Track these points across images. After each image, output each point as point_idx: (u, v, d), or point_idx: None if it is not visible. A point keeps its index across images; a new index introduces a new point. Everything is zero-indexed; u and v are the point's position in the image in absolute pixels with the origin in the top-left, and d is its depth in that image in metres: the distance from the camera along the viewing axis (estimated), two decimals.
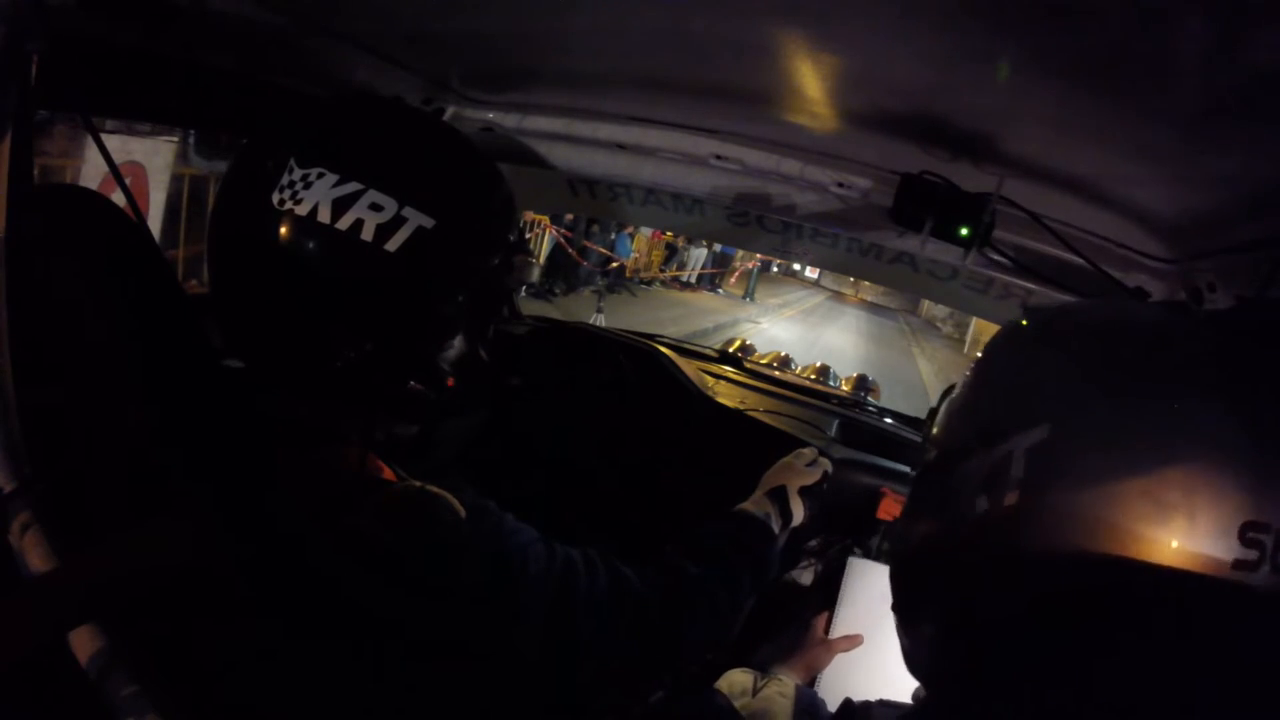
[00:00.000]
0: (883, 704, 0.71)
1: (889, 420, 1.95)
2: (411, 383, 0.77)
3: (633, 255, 10.92)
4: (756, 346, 3.97)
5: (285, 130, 0.75)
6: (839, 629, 1.16)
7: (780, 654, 1.13)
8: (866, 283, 23.18)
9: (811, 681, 1.09)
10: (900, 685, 0.78)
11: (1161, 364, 0.46)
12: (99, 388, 0.70)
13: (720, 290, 14.32)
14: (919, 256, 1.44)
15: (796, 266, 22.73)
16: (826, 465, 1.14)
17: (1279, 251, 0.85)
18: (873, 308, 23.66)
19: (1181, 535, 0.41)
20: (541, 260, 8.40)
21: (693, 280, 13.44)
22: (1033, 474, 0.47)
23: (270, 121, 0.78)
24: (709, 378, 1.94)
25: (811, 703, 0.91)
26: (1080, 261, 1.15)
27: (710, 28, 0.88)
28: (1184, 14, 0.57)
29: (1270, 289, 0.84)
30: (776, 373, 2.34)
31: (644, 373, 1.82)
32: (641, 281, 11.60)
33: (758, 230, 1.62)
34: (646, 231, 10.82)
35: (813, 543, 1.47)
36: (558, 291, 8.76)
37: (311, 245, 0.69)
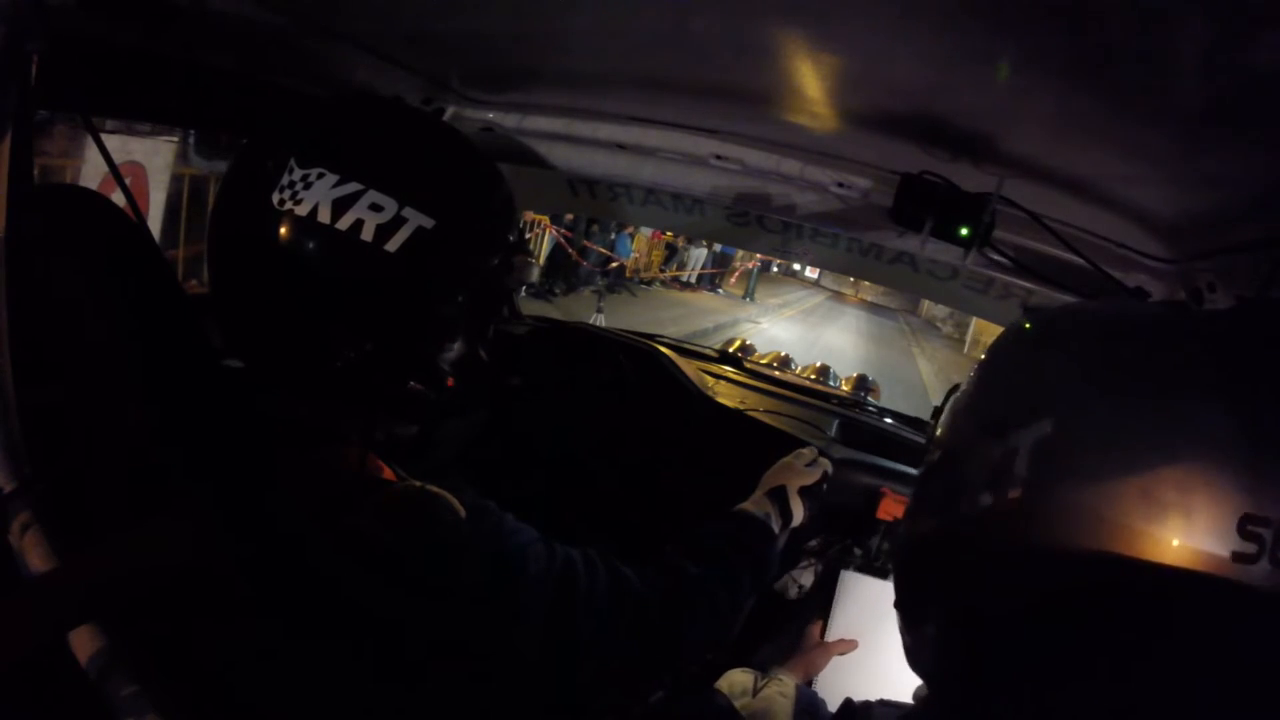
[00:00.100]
0: (883, 703, 0.71)
1: (889, 420, 1.95)
2: (411, 383, 0.77)
3: (633, 255, 10.93)
4: (756, 346, 3.97)
5: (285, 130, 0.75)
6: (832, 639, 1.17)
7: (779, 655, 1.13)
8: (866, 283, 23.18)
9: (809, 683, 1.09)
10: (894, 690, 0.78)
11: (1161, 363, 0.46)
12: (99, 388, 0.70)
13: (720, 290, 14.32)
14: (919, 256, 1.44)
15: (796, 266, 22.74)
16: (826, 465, 1.14)
17: (1279, 251, 0.85)
18: (873, 308, 23.68)
19: (1182, 533, 0.41)
20: (541, 260, 8.40)
21: (693, 280, 13.44)
22: (1035, 472, 0.47)
23: (270, 121, 0.78)
24: (709, 378, 1.94)
25: (811, 702, 0.91)
26: (1080, 261, 1.15)
27: (710, 28, 0.88)
28: (1184, 14, 0.57)
29: (1270, 289, 0.84)
30: (776, 373, 2.34)
31: (644, 373, 1.82)
32: (641, 281, 11.60)
33: (758, 230, 1.62)
34: (646, 231, 10.82)
35: (813, 543, 1.47)
36: (558, 291, 8.76)
37: (311, 245, 0.69)
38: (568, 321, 2.32)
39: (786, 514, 1.04)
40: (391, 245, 0.70)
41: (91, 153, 3.18)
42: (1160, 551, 0.42)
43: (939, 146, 1.09)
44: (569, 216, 8.57)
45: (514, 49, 1.17)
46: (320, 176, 0.68)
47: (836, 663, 1.13)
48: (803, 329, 13.67)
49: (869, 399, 2.82)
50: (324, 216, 0.68)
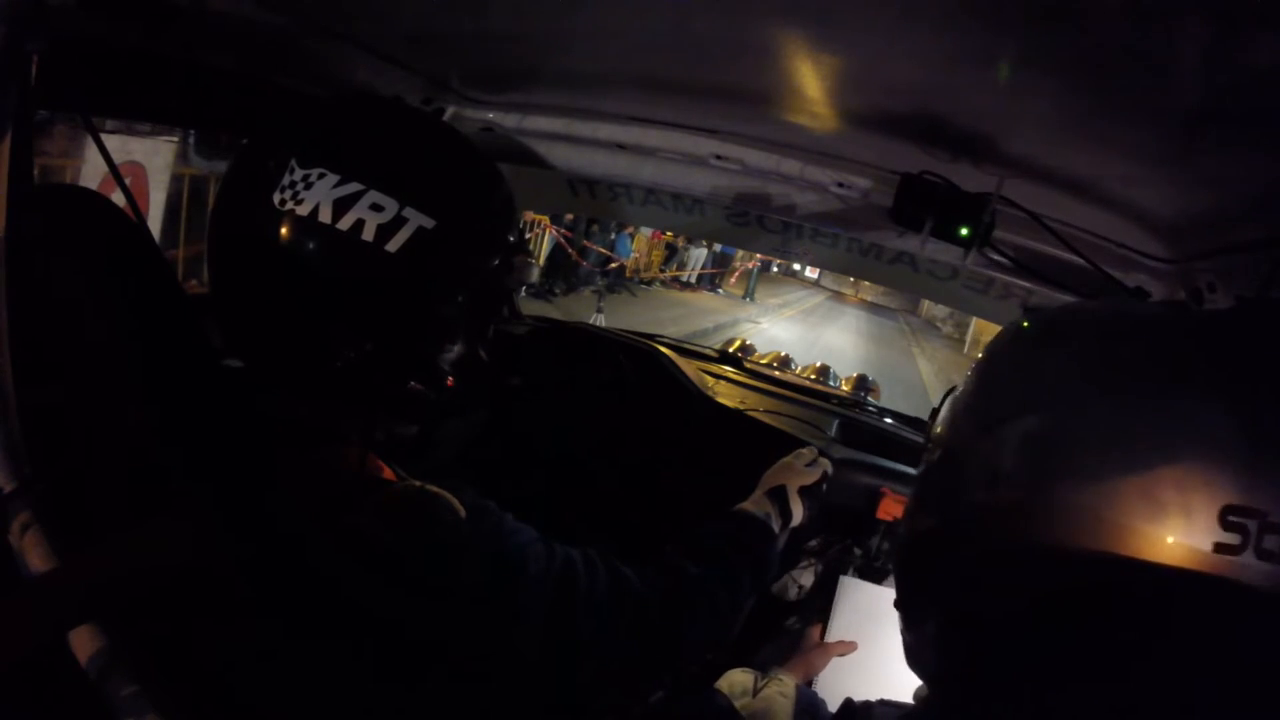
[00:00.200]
0: (883, 704, 0.71)
1: (889, 420, 1.95)
2: (411, 383, 0.77)
3: (633, 255, 10.92)
4: (756, 346, 3.97)
5: (286, 130, 0.75)
6: (832, 641, 1.17)
7: (779, 655, 1.13)
8: (866, 283, 23.17)
9: (809, 684, 1.09)
10: (894, 691, 0.78)
11: (1160, 363, 0.46)
12: (99, 388, 0.70)
13: (720, 290, 14.32)
14: (919, 256, 1.44)
15: (796, 266, 22.74)
16: (826, 466, 1.14)
17: (1279, 251, 0.85)
18: (873, 308, 23.67)
19: (1181, 532, 0.41)
20: (541, 260, 8.40)
21: (693, 280, 13.44)
22: (1033, 471, 0.47)
23: (271, 121, 0.78)
24: (709, 378, 1.94)
25: (811, 703, 0.91)
26: (1080, 261, 1.15)
27: (710, 28, 0.88)
28: (1183, 15, 0.57)
29: (1270, 289, 0.84)
30: (776, 373, 2.34)
31: (644, 373, 1.82)
32: (641, 281, 11.60)
33: (758, 230, 1.62)
34: (646, 231, 10.82)
35: (813, 543, 1.47)
36: (558, 291, 8.76)
37: (312, 245, 0.69)
38: (568, 321, 2.32)
39: (786, 514, 1.04)
40: (392, 245, 0.70)
41: (91, 153, 3.18)
42: (1159, 551, 0.42)
43: (939, 146, 1.09)
44: (569, 216, 8.57)
45: (514, 49, 1.17)
46: (321, 176, 0.68)
47: (836, 663, 1.13)
48: (803, 329, 13.67)
49: (869, 399, 2.82)
50: (325, 216, 0.68)
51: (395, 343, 0.74)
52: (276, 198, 0.69)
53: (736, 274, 15.08)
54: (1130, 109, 0.78)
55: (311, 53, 1.09)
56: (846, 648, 1.15)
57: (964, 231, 1.16)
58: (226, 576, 0.62)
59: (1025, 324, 0.58)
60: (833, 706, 0.77)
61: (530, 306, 2.44)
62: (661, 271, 12.42)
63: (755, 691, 0.91)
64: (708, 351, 2.28)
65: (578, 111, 1.43)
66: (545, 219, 8.15)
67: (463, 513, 0.70)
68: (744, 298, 14.68)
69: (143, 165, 3.89)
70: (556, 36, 1.06)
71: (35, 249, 0.69)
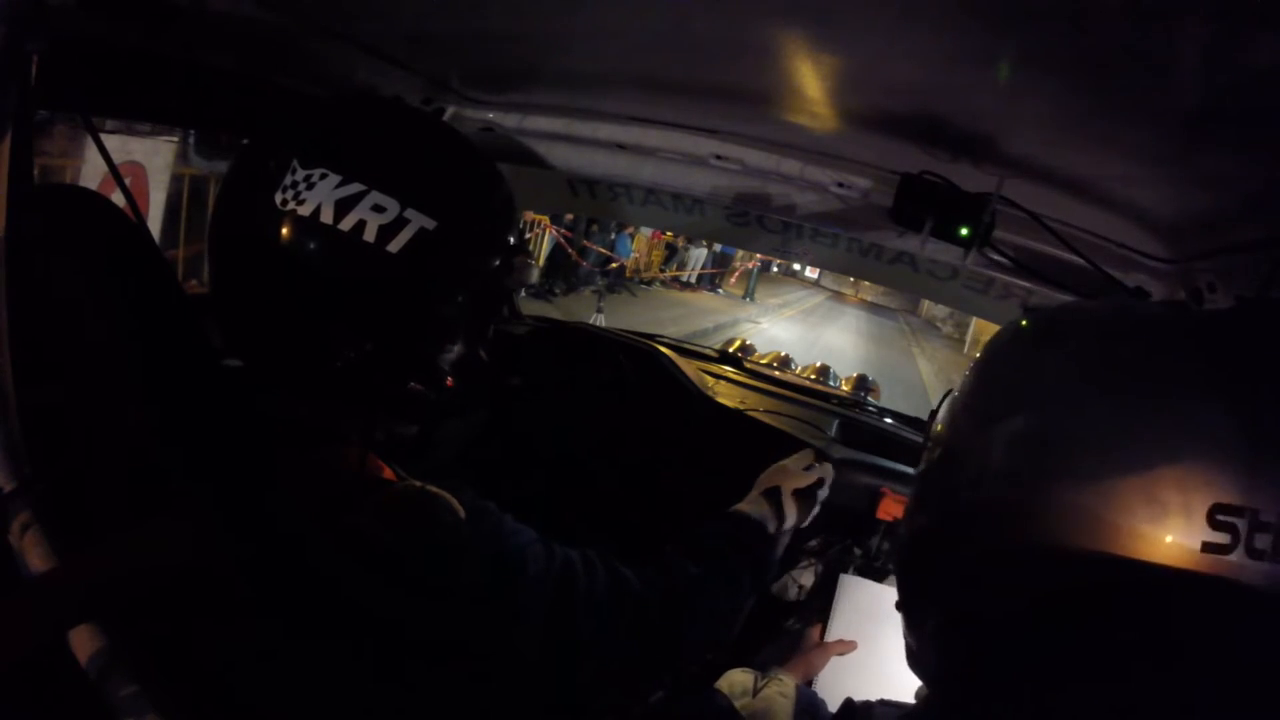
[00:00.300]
0: (884, 703, 0.71)
1: (889, 420, 1.95)
2: (412, 383, 0.77)
3: (633, 255, 10.92)
4: (756, 346, 3.97)
5: (287, 131, 0.75)
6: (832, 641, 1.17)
7: (779, 655, 1.13)
8: (866, 283, 23.17)
9: (809, 684, 1.09)
10: (894, 691, 0.78)
11: (1160, 363, 0.46)
12: (99, 388, 0.70)
13: (720, 290, 14.32)
14: (919, 256, 1.44)
15: (796, 266, 22.74)
16: (827, 471, 1.14)
17: (1279, 251, 0.85)
18: (873, 308, 23.67)
19: (1181, 533, 0.41)
20: (541, 260, 8.41)
21: (693, 280, 13.44)
22: (1031, 471, 0.47)
23: (272, 121, 0.78)
24: (709, 378, 1.94)
25: (811, 703, 0.91)
26: (1080, 261, 1.15)
27: (710, 28, 0.88)
28: (1183, 15, 0.57)
29: (1270, 289, 0.84)
30: (776, 373, 2.34)
31: (644, 373, 1.82)
32: (641, 281, 11.60)
33: (758, 230, 1.62)
34: (646, 231, 10.82)
35: (813, 543, 1.47)
36: (558, 291, 8.76)
37: (314, 246, 0.69)
38: (568, 321, 2.32)
39: (780, 515, 1.04)
40: (394, 246, 0.70)
41: (91, 153, 3.18)
42: (1158, 551, 0.42)
43: (939, 146, 1.09)
44: (569, 216, 8.58)
45: (514, 49, 1.17)
46: (323, 177, 0.69)
47: (836, 663, 1.13)
48: (803, 329, 13.67)
49: (869, 399, 2.82)
50: (327, 217, 0.68)
51: (395, 343, 0.74)
52: (278, 198, 0.69)
53: (736, 274, 15.08)
54: (1130, 109, 0.78)
55: (311, 53, 1.09)
56: (846, 647, 1.14)
57: (964, 231, 1.15)
58: (226, 576, 0.62)
59: (1024, 323, 0.58)
60: (833, 706, 0.77)
61: (530, 306, 2.44)
62: (661, 271, 12.41)
63: (755, 691, 0.91)
64: (708, 351, 2.28)
65: (578, 111, 1.43)
66: (545, 219, 8.15)
67: (462, 513, 0.70)
68: (744, 298, 14.68)
69: (143, 165, 3.89)
70: (556, 36, 1.06)
71: (35, 249, 0.69)
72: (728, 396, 1.83)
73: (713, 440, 1.68)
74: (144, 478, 0.66)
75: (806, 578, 1.42)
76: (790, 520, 1.05)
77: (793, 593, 1.41)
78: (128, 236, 0.77)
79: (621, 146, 1.45)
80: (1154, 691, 0.40)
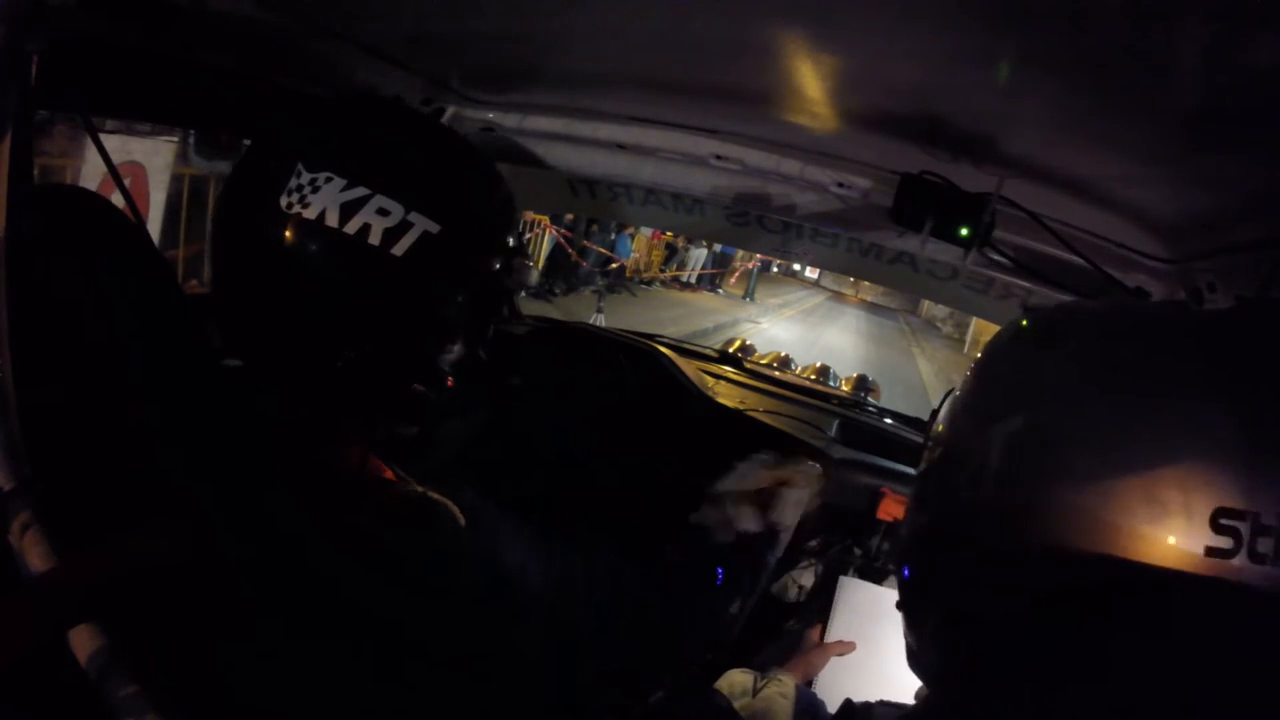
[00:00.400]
0: (884, 704, 0.71)
1: (889, 420, 1.96)
2: (412, 383, 0.77)
3: (633, 255, 10.92)
4: (757, 347, 3.97)
5: (292, 133, 0.76)
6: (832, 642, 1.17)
7: (779, 656, 1.13)
8: (866, 283, 23.17)
9: (809, 684, 1.09)
10: (894, 691, 0.78)
11: (1160, 363, 0.46)
12: (99, 388, 0.70)
13: (720, 290, 14.31)
14: (919, 256, 1.44)
15: (796, 267, 22.72)
16: (800, 474, 1.09)
17: (1279, 251, 0.85)
18: (872, 308, 23.66)
19: (1181, 533, 0.41)
20: (541, 261, 8.40)
21: (693, 280, 13.43)
22: (1031, 471, 0.47)
23: (276, 123, 0.78)
24: (709, 378, 1.94)
25: (811, 703, 0.91)
26: (1080, 261, 1.15)
27: (710, 28, 0.88)
28: (1183, 15, 0.57)
29: (1270, 289, 0.84)
30: (776, 373, 2.34)
31: (644, 373, 1.82)
32: (641, 282, 11.59)
33: (758, 230, 1.62)
34: (646, 232, 10.82)
35: (813, 543, 1.47)
36: (557, 291, 8.75)
37: (319, 248, 0.69)
38: (568, 321, 2.32)
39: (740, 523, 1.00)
40: (398, 249, 0.70)
41: (91, 153, 3.17)
42: (1158, 551, 0.42)
43: (939, 146, 1.09)
44: (569, 216, 8.57)
45: (514, 49, 1.17)
46: (328, 180, 0.69)
47: (836, 664, 1.13)
48: (803, 329, 13.67)
49: (869, 399, 2.82)
50: (332, 220, 0.68)
51: (397, 343, 0.74)
52: (283, 201, 0.69)
53: (736, 274, 15.08)
54: (1130, 109, 0.78)
55: (311, 53, 1.09)
56: (845, 648, 1.14)
57: (964, 231, 1.15)
58: (226, 576, 0.62)
59: (1024, 323, 0.58)
60: (833, 707, 0.77)
61: (530, 307, 2.44)
62: (661, 272, 12.41)
63: (755, 692, 0.91)
64: (708, 351, 2.28)
65: (578, 111, 1.43)
66: (545, 219, 8.14)
67: (462, 521, 0.71)
68: (744, 298, 14.67)
69: (143, 165, 3.89)
70: (556, 36, 1.06)
71: (35, 249, 0.69)
72: (728, 396, 1.83)
73: (713, 440, 1.68)
74: (144, 478, 0.66)
75: (806, 578, 1.42)
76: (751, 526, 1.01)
77: (793, 593, 1.41)
78: (127, 237, 0.77)
79: (621, 146, 1.45)
80: (1154, 692, 0.40)
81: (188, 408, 0.70)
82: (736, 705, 0.84)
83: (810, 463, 1.15)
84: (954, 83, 0.87)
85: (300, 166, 0.69)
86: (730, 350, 2.71)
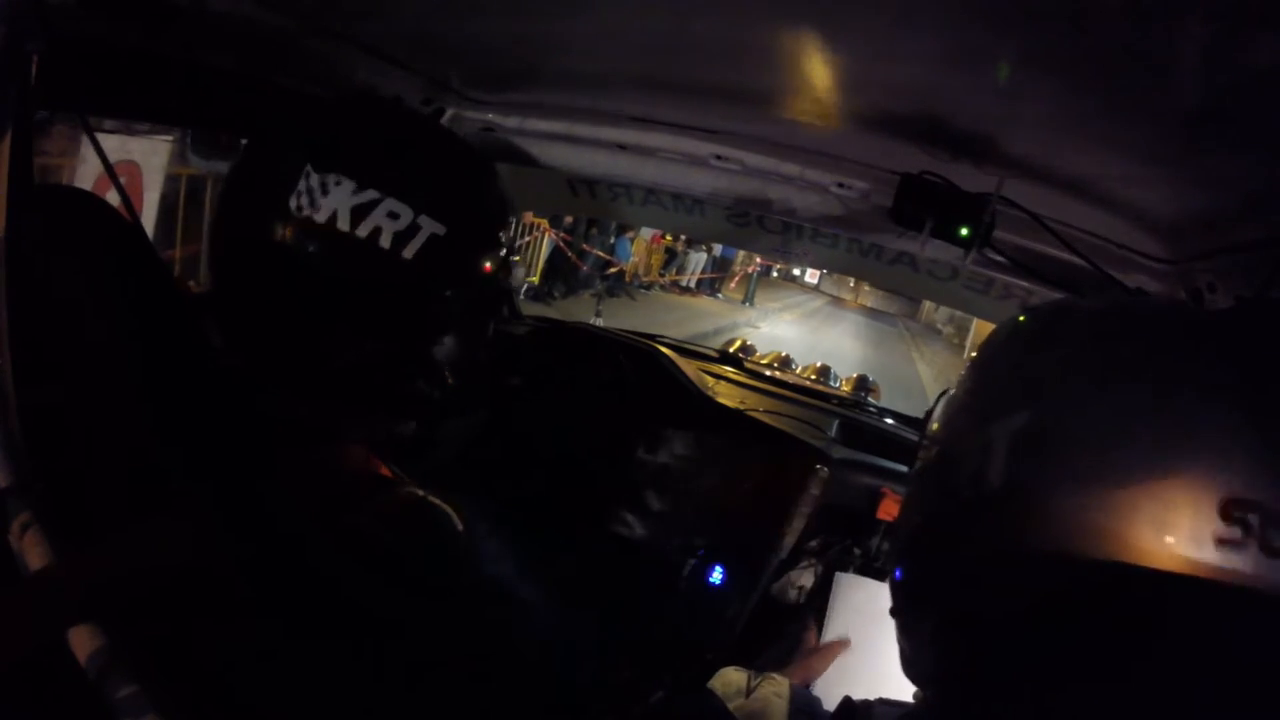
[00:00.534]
0: (883, 702, 0.71)
1: (889, 420, 1.96)
2: (412, 383, 0.77)
3: (632, 259, 10.91)
4: (757, 348, 3.97)
5: (299, 135, 0.76)
6: (828, 642, 1.16)
7: (779, 657, 1.13)
8: (866, 288, 23.22)
9: (808, 685, 1.09)
10: (892, 690, 0.78)
11: (1160, 362, 0.46)
12: (99, 387, 0.70)
13: (720, 295, 14.30)
14: (919, 257, 1.44)
15: (797, 271, 22.70)
16: None
17: (1279, 251, 0.85)
18: (872, 313, 23.63)
19: (1180, 532, 0.41)
20: (541, 264, 8.40)
21: (692, 284, 13.42)
22: (1030, 470, 0.47)
23: (281, 124, 0.79)
24: (709, 378, 1.94)
25: (807, 702, 0.91)
26: (1080, 262, 1.15)
27: (710, 28, 0.88)
28: (1183, 15, 0.57)
29: (1270, 289, 0.84)
30: (777, 373, 2.34)
31: (644, 373, 1.82)
32: (641, 285, 11.58)
33: (758, 231, 1.62)
34: (646, 235, 10.82)
35: (813, 543, 1.47)
36: (556, 295, 8.75)
37: (330, 251, 0.70)
38: (568, 321, 2.32)
39: None
40: (408, 252, 0.71)
41: (87, 150, 3.17)
42: (1158, 550, 0.42)
43: (939, 146, 1.09)
44: (568, 220, 8.57)
45: (514, 49, 1.17)
46: (338, 183, 0.69)
47: (836, 662, 1.13)
48: (802, 333, 13.67)
49: (869, 399, 2.82)
50: (343, 223, 0.69)
51: (399, 343, 0.75)
52: (292, 203, 0.69)
53: (737, 278, 15.07)
54: (1130, 109, 0.78)
55: (311, 53, 1.09)
56: (841, 646, 1.14)
57: (964, 231, 1.16)
58: (226, 576, 0.62)
59: (1022, 319, 0.58)
60: (831, 705, 0.77)
61: (528, 309, 2.44)
62: (661, 275, 12.40)
63: (749, 691, 0.91)
64: (708, 352, 2.28)
65: (578, 112, 1.43)
66: (544, 222, 8.13)
67: (460, 525, 0.71)
68: (744, 302, 14.67)
69: (138, 164, 3.88)
70: (557, 37, 1.06)
71: (35, 249, 0.69)
72: (728, 396, 1.83)
73: (713, 440, 1.68)
74: (144, 478, 0.66)
75: (806, 579, 1.41)
76: None
77: (792, 594, 1.41)
78: (127, 237, 0.77)
79: (622, 147, 1.45)
80: (1155, 691, 0.40)
81: (188, 407, 0.70)
82: (731, 706, 0.84)
83: (820, 467, 1.15)
84: (954, 83, 0.88)
85: (309, 168, 0.70)
86: (730, 350, 2.71)
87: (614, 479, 1.73)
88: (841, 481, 1.50)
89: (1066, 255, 1.16)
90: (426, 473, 0.76)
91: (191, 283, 3.27)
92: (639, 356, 1.86)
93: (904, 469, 1.52)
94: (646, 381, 1.80)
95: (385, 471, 0.75)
